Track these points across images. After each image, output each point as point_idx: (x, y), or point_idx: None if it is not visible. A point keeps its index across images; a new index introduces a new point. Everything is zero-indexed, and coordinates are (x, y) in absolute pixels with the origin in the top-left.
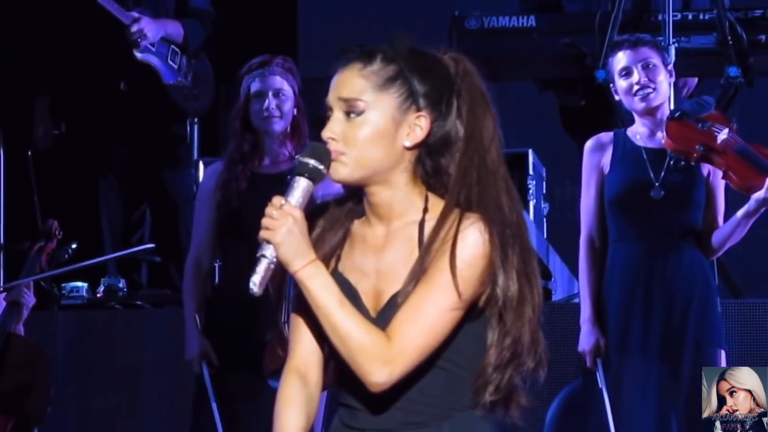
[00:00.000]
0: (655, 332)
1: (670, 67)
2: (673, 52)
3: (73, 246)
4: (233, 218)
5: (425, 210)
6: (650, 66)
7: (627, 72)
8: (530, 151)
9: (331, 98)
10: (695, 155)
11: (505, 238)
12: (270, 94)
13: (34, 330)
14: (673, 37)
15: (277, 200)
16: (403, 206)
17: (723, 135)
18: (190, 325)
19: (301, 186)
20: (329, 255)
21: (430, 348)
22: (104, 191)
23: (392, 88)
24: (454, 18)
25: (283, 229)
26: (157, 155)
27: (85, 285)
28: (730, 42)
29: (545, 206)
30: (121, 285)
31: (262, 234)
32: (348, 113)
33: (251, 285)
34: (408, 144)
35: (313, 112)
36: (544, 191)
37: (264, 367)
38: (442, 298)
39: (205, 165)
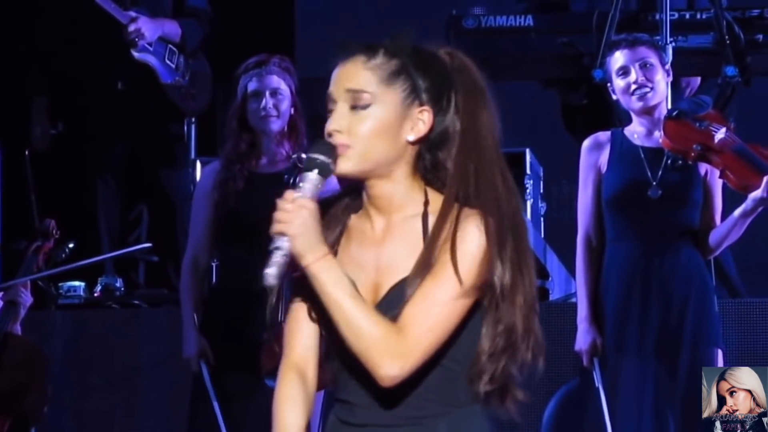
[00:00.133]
0: (652, 331)
1: (668, 66)
2: (670, 51)
3: (70, 245)
4: (230, 218)
5: (426, 203)
6: (648, 65)
7: (624, 71)
8: (528, 151)
9: (336, 90)
10: (693, 154)
11: (501, 231)
12: (267, 93)
13: (31, 329)
14: (670, 37)
15: (290, 194)
16: (403, 200)
17: (720, 134)
18: (188, 324)
19: (311, 180)
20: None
21: (439, 341)
22: (101, 191)
23: (397, 83)
24: (452, 17)
25: (298, 221)
26: (154, 155)
27: (83, 284)
28: (728, 41)
29: (542, 206)
30: (118, 284)
31: (277, 227)
32: (353, 106)
33: (266, 276)
34: (411, 138)
35: (310, 112)
36: (542, 190)
37: (261, 367)
38: (447, 291)
39: (203, 164)
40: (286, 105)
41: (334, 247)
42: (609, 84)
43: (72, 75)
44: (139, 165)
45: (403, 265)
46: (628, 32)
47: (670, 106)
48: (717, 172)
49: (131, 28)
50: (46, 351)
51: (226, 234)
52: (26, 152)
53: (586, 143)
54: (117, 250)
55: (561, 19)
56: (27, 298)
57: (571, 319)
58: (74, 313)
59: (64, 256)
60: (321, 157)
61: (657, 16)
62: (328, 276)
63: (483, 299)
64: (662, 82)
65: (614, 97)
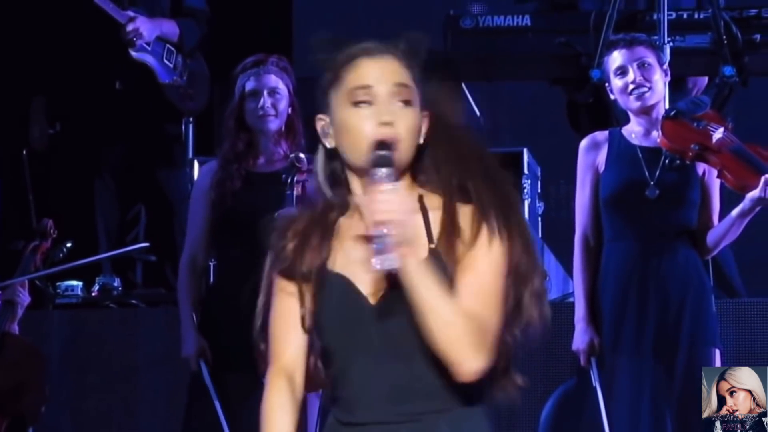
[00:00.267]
0: (649, 331)
1: (666, 66)
2: (668, 51)
3: (68, 245)
4: (228, 217)
5: (421, 200)
6: (645, 65)
7: (622, 71)
8: (525, 150)
9: (381, 84)
10: (690, 154)
11: (493, 218)
12: (265, 92)
13: (28, 329)
14: (668, 37)
15: (384, 187)
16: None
17: (718, 134)
18: (186, 323)
19: (388, 175)
20: (316, 258)
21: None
22: (99, 190)
23: (418, 85)
24: (449, 17)
25: (402, 210)
26: (152, 154)
27: (80, 284)
28: (725, 41)
29: (540, 205)
30: (115, 284)
31: (381, 216)
32: (403, 101)
33: (390, 263)
34: (421, 141)
35: (307, 111)
36: (539, 190)
37: (259, 367)
38: (493, 280)
39: (200, 164)
40: (283, 104)
41: (323, 253)
42: (607, 84)
43: (70, 75)
44: (137, 165)
45: None
46: (626, 32)
47: (668, 106)
48: (715, 172)
49: (129, 27)
50: (43, 350)
51: (224, 233)
52: (24, 152)
53: (584, 143)
54: (114, 249)
55: (558, 19)
56: (24, 298)
57: (569, 319)
58: (72, 312)
59: (61, 255)
60: (386, 152)
61: (655, 16)
62: (419, 268)
63: None
64: (660, 81)
65: (612, 96)
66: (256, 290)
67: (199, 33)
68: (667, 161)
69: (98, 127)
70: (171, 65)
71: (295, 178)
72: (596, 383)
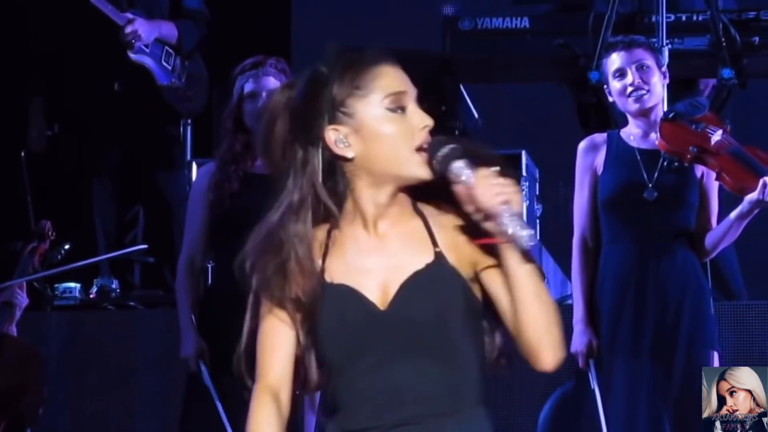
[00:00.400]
0: (647, 333)
1: (664, 68)
2: (666, 53)
3: (66, 247)
4: (226, 218)
5: (414, 205)
6: (644, 67)
7: (621, 73)
8: (523, 152)
9: (409, 90)
10: (689, 156)
11: None
12: (264, 94)
13: (27, 330)
14: (666, 39)
15: (489, 171)
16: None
17: (716, 136)
18: (185, 324)
19: (467, 164)
20: (309, 276)
21: None
22: (97, 192)
23: None
24: (448, 19)
25: (519, 195)
26: (150, 156)
27: (78, 286)
28: (724, 44)
29: (538, 207)
30: (114, 286)
31: (503, 198)
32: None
33: (525, 238)
34: None
35: None
36: (537, 192)
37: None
38: None
39: (199, 166)
40: None
41: (318, 265)
42: (605, 86)
43: (68, 76)
44: (136, 166)
45: (411, 263)
46: (625, 34)
47: (666, 108)
48: (713, 175)
49: (128, 29)
50: (41, 352)
51: (222, 235)
52: (22, 153)
53: (582, 145)
54: (113, 251)
55: (557, 20)
56: (23, 300)
57: (567, 321)
58: (70, 314)
59: (59, 257)
60: (456, 145)
61: (653, 18)
62: (526, 254)
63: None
64: (658, 84)
65: (610, 98)
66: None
67: (197, 35)
68: (665, 163)
69: (97, 128)
70: (169, 67)
71: (454, 170)
72: (594, 385)
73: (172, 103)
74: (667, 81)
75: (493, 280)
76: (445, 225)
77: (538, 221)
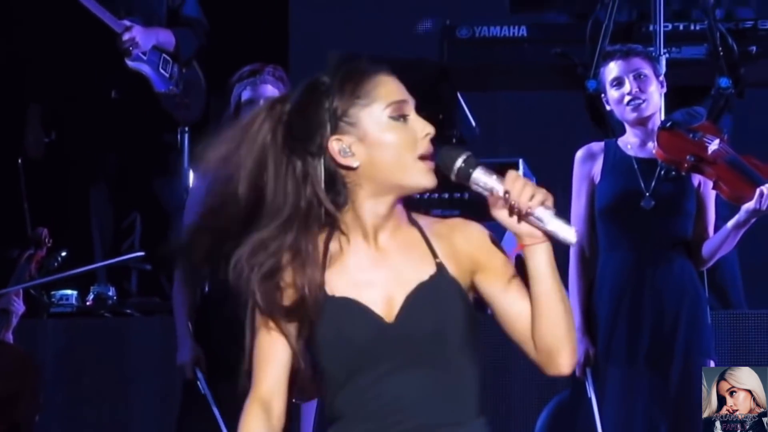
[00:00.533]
0: (644, 342)
1: (662, 77)
2: (664, 62)
3: (63, 254)
4: None
5: (411, 217)
6: (642, 76)
7: (618, 82)
8: (521, 161)
9: (411, 99)
10: (686, 165)
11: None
12: (261, 102)
13: (23, 338)
14: (664, 48)
15: (515, 172)
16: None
17: (714, 145)
18: (182, 331)
19: (482, 174)
20: (310, 291)
21: None
22: (95, 199)
23: None
24: (445, 27)
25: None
26: (147, 163)
27: (75, 293)
28: (721, 53)
29: None
30: (110, 293)
31: (540, 197)
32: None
33: (572, 237)
34: None
35: None
36: None
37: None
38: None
39: (196, 173)
40: None
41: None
42: (603, 95)
43: (66, 84)
44: (133, 174)
45: (413, 275)
46: (622, 43)
47: (663, 117)
48: (710, 183)
49: (125, 37)
50: (38, 359)
51: None
52: (19, 160)
53: (580, 153)
54: (110, 258)
55: (554, 29)
56: (19, 307)
57: None
58: (66, 321)
59: (56, 264)
60: (469, 152)
61: (651, 27)
62: (552, 257)
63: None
64: (656, 93)
65: (608, 107)
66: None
67: (195, 43)
68: (662, 172)
69: (94, 135)
70: (167, 75)
71: (472, 181)
72: (591, 394)
73: (170, 110)
74: (664, 90)
75: (493, 286)
76: (441, 234)
77: None
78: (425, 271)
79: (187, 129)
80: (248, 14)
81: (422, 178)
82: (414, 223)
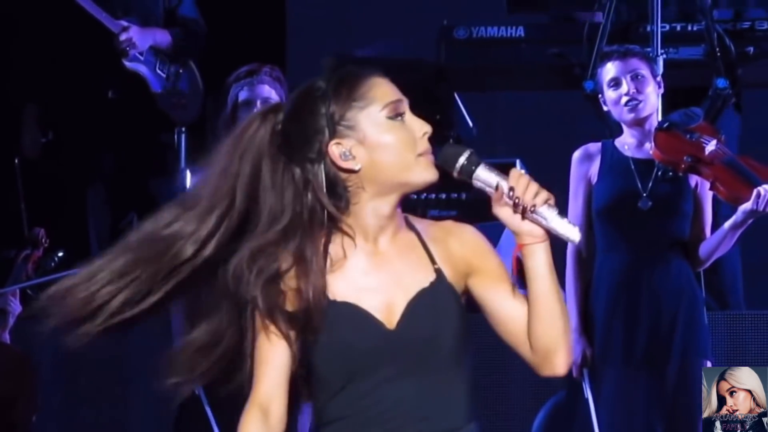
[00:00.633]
0: (641, 343)
1: (659, 78)
2: (661, 63)
3: (60, 254)
4: None
5: (406, 219)
6: (639, 77)
7: (616, 83)
8: (518, 161)
9: (403, 100)
10: (683, 166)
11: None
12: (258, 102)
13: (19, 338)
14: (661, 48)
15: (519, 170)
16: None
17: (711, 146)
18: (180, 332)
19: (485, 171)
20: (317, 287)
21: None
22: (92, 199)
23: None
24: (443, 28)
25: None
26: (144, 164)
27: None
28: (719, 53)
29: None
30: None
31: (544, 195)
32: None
33: (575, 236)
34: None
35: None
36: None
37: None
38: None
39: (193, 173)
40: None
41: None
42: (600, 95)
43: (63, 83)
44: (130, 174)
45: (413, 281)
46: (620, 44)
47: (661, 118)
48: (707, 184)
49: (122, 37)
50: (34, 360)
51: None
52: (16, 160)
53: (577, 154)
54: None
55: (552, 29)
56: (16, 307)
57: None
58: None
59: (53, 264)
60: (471, 150)
61: (648, 28)
62: (550, 257)
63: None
64: (653, 93)
65: (605, 108)
66: None
67: (192, 43)
68: (659, 173)
69: (91, 136)
70: (164, 75)
71: (474, 177)
72: (588, 395)
73: (166, 111)
74: (661, 90)
75: (487, 289)
76: (437, 238)
77: None
78: (425, 276)
79: (183, 129)
80: (245, 14)
81: (425, 173)
82: (411, 227)
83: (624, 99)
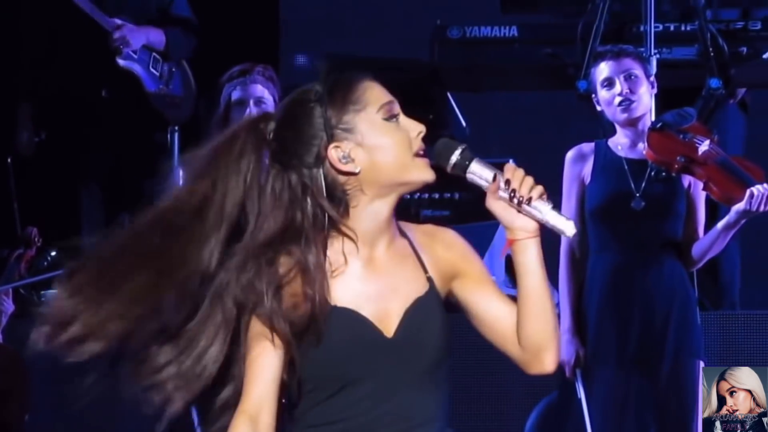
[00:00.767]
0: (634, 343)
1: (652, 78)
2: (654, 63)
3: (52, 253)
4: None
5: (400, 228)
6: (632, 77)
7: (609, 83)
8: (511, 161)
9: (395, 101)
10: (676, 166)
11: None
12: (251, 102)
13: (12, 337)
14: (654, 48)
15: (513, 164)
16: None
17: (704, 146)
18: None
19: (480, 166)
20: (321, 293)
21: None
22: (85, 199)
23: None
24: (437, 27)
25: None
26: (137, 163)
27: None
28: (712, 53)
29: None
30: None
31: (539, 189)
32: None
33: (570, 229)
34: None
35: None
36: None
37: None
38: None
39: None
40: None
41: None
42: (593, 95)
43: (56, 82)
44: (123, 173)
45: (407, 289)
46: (613, 44)
47: (654, 118)
48: (700, 185)
49: (116, 35)
50: (27, 359)
51: None
52: (9, 159)
53: (570, 154)
54: None
55: (545, 29)
56: (8, 306)
57: None
58: None
59: (46, 263)
60: (464, 145)
61: (642, 28)
62: (541, 253)
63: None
64: (647, 94)
65: (598, 108)
66: None
67: (186, 42)
68: (652, 173)
69: (84, 135)
70: (157, 74)
71: (469, 172)
72: (581, 395)
73: (160, 109)
74: (655, 91)
75: (472, 291)
76: (424, 244)
77: None
78: (419, 285)
79: (177, 129)
80: (238, 14)
81: (423, 173)
82: (404, 234)
83: (617, 99)
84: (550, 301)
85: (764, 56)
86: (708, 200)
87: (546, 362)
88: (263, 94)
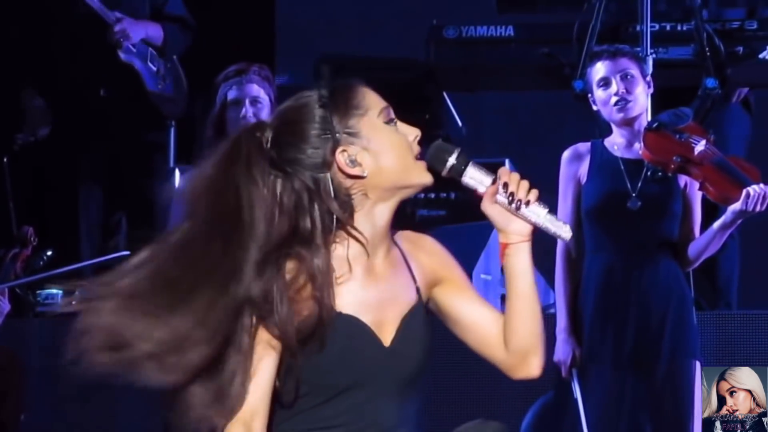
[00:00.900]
0: (630, 343)
1: (648, 78)
2: (651, 62)
3: (48, 253)
4: None
5: (392, 231)
6: (629, 77)
7: (605, 83)
8: (507, 161)
9: (392, 108)
10: (672, 166)
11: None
12: (247, 101)
13: (8, 337)
14: (651, 48)
15: (508, 168)
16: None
17: (700, 146)
18: None
19: (475, 170)
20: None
21: None
22: (82, 198)
23: None
24: (433, 27)
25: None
26: (134, 162)
27: (61, 292)
28: (708, 53)
29: None
30: None
31: (536, 193)
32: None
33: (566, 233)
34: None
35: None
36: None
37: None
38: None
39: (181, 173)
40: (265, 113)
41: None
42: (590, 95)
43: (54, 81)
44: (120, 172)
45: (402, 297)
46: (609, 43)
47: (650, 118)
48: (696, 184)
49: (117, 28)
50: (23, 359)
51: None
52: (5, 159)
53: (566, 154)
54: (96, 257)
55: (541, 29)
56: (4, 306)
57: (550, 331)
58: (52, 321)
59: (42, 263)
60: (456, 152)
61: (638, 28)
62: (530, 256)
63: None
64: (643, 93)
65: (594, 108)
66: None
67: (182, 39)
68: (649, 173)
69: (81, 134)
70: (154, 69)
71: (466, 176)
72: (577, 395)
73: (157, 104)
74: (651, 90)
75: (453, 297)
76: (410, 252)
77: None
78: (411, 295)
79: (173, 128)
80: (234, 13)
81: (423, 176)
82: (396, 243)
83: (613, 99)
84: (538, 305)
85: (760, 56)
86: (707, 200)
87: (532, 366)
88: (259, 94)
